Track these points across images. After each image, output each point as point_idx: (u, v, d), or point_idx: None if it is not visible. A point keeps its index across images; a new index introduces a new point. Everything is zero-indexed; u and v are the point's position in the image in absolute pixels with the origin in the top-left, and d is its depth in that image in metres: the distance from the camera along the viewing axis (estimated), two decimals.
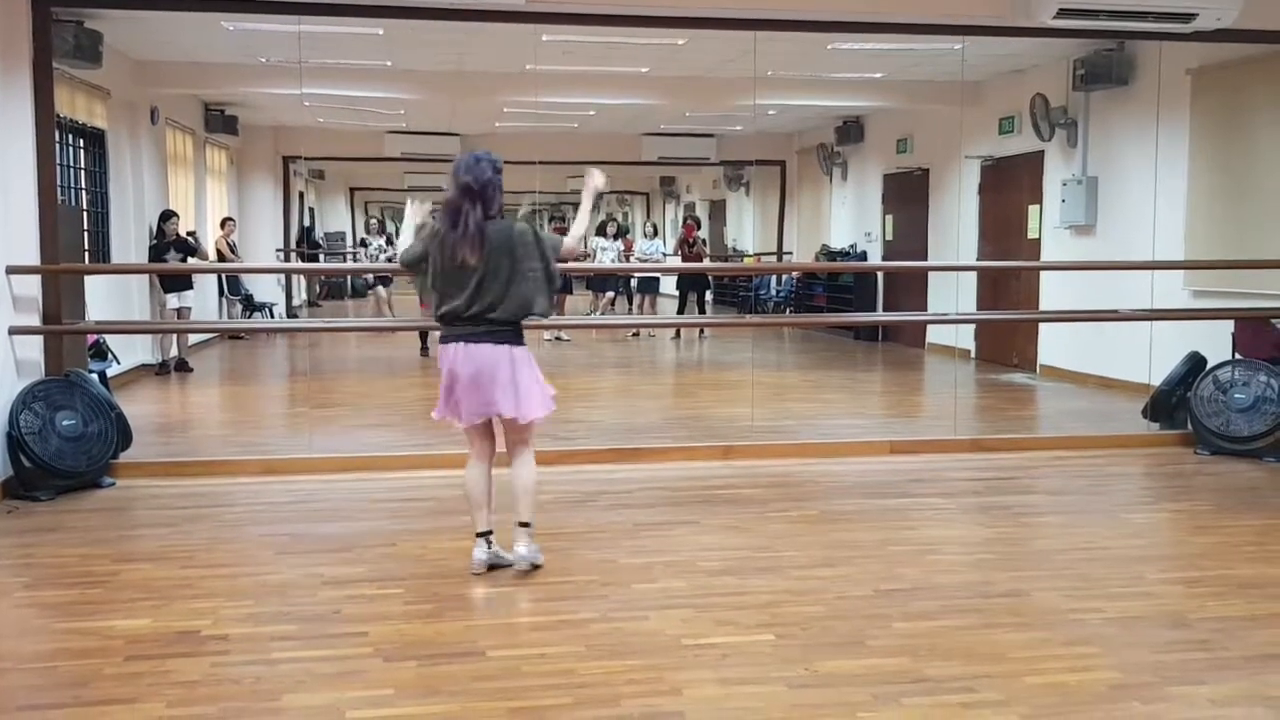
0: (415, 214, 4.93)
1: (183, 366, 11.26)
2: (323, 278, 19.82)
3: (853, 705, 3.37)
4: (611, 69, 11.16)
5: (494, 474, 4.74)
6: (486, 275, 4.46)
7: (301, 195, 19.27)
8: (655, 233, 16.91)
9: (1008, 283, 11.71)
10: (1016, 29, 7.52)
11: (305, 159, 17.18)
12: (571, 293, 15.03)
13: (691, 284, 15.24)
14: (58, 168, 7.17)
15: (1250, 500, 6.13)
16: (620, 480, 6.49)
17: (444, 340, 4.59)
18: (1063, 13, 6.82)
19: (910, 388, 11.38)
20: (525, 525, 4.67)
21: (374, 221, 15.13)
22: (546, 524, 5.38)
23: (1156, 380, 8.00)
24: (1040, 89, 10.79)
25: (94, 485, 6.28)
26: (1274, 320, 7.78)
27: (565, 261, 4.81)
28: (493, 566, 4.67)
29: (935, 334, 13.12)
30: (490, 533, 4.69)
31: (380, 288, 14.10)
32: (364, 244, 15.01)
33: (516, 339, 4.58)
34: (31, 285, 6.55)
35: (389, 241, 14.66)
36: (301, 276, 17.89)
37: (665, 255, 17.12)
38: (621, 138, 16.17)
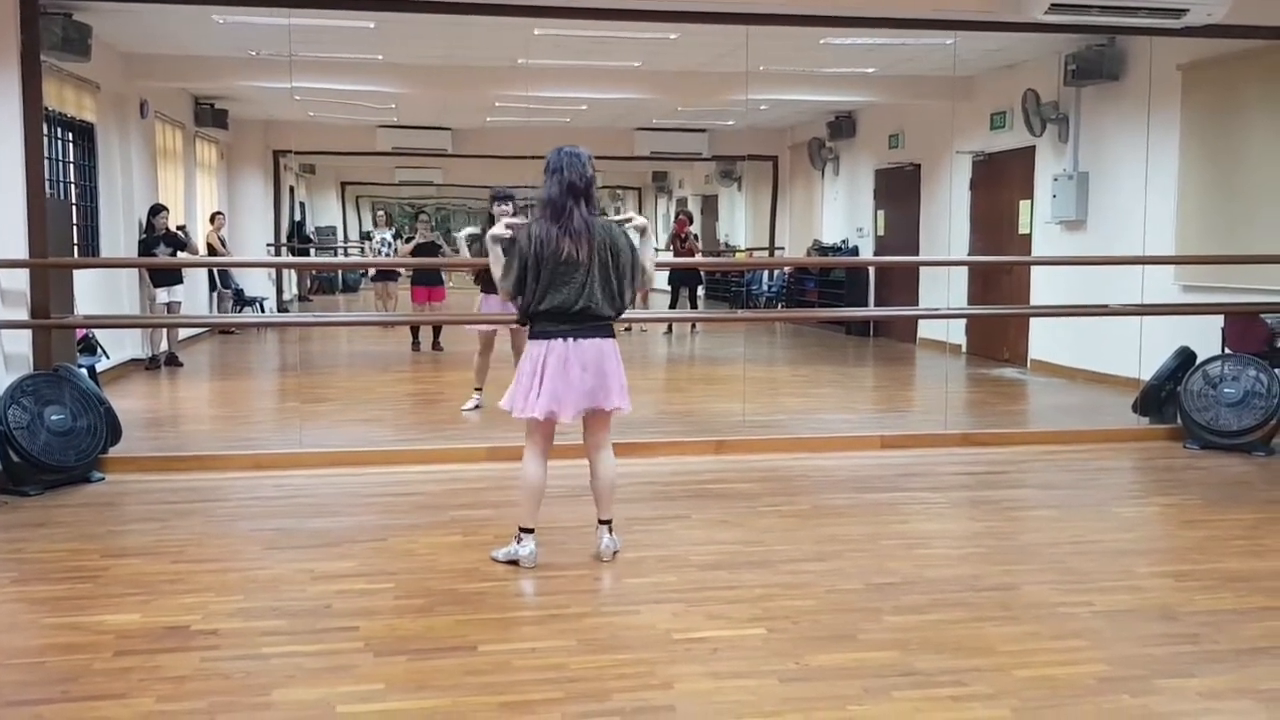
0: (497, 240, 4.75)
1: (172, 361, 11.23)
2: (314, 272, 19.76)
3: (843, 698, 3.38)
4: (603, 63, 11.15)
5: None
6: (594, 270, 4.55)
7: (292, 189, 19.21)
8: None
9: (999, 278, 11.72)
10: (1008, 24, 7.52)
11: (296, 153, 17.14)
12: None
13: (683, 279, 15.23)
14: (46, 161, 7.14)
15: (1239, 494, 6.15)
16: None
17: (542, 335, 4.59)
18: (1054, 8, 6.83)
19: (901, 382, 11.40)
20: (608, 522, 4.80)
21: (381, 214, 15.04)
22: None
23: (1146, 375, 8.01)
24: (1032, 84, 10.80)
25: (83, 480, 6.26)
26: (1264, 315, 7.80)
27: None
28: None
29: (926, 329, 13.12)
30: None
31: (390, 283, 14.06)
32: (368, 237, 14.94)
33: (612, 332, 4.71)
34: (20, 279, 6.53)
35: (397, 236, 14.59)
36: (292, 271, 17.84)
37: (657, 250, 17.07)
38: (614, 132, 16.16)
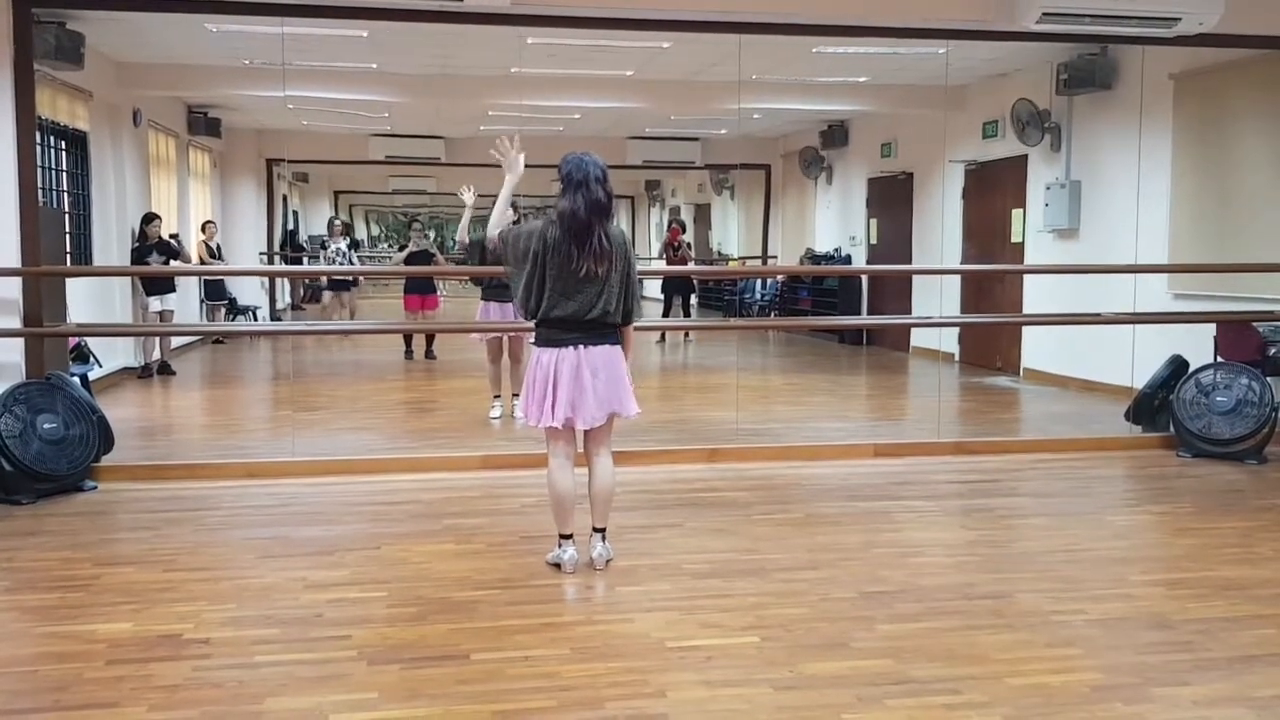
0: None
1: (165, 369, 11.21)
2: (307, 281, 19.71)
3: (837, 707, 3.38)
4: (596, 72, 11.15)
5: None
6: (610, 281, 4.58)
7: (285, 198, 19.17)
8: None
9: (991, 286, 11.75)
10: (1000, 33, 7.55)
11: (289, 162, 17.10)
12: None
13: (676, 287, 15.22)
14: (39, 170, 7.13)
15: (1232, 502, 6.16)
16: None
17: (550, 343, 4.61)
18: (1046, 17, 6.85)
19: (894, 391, 11.41)
20: (602, 530, 4.82)
21: (337, 224, 14.72)
22: (530, 527, 5.39)
23: (1139, 383, 8.04)
24: (1024, 93, 10.83)
25: (75, 489, 6.24)
26: (1256, 323, 7.83)
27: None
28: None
29: (919, 337, 13.14)
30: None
31: (343, 293, 13.98)
32: (323, 246, 14.69)
33: (618, 339, 4.73)
34: (12, 288, 6.52)
35: (352, 245, 14.44)
36: (285, 280, 17.80)
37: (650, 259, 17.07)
38: (607, 141, 16.15)
